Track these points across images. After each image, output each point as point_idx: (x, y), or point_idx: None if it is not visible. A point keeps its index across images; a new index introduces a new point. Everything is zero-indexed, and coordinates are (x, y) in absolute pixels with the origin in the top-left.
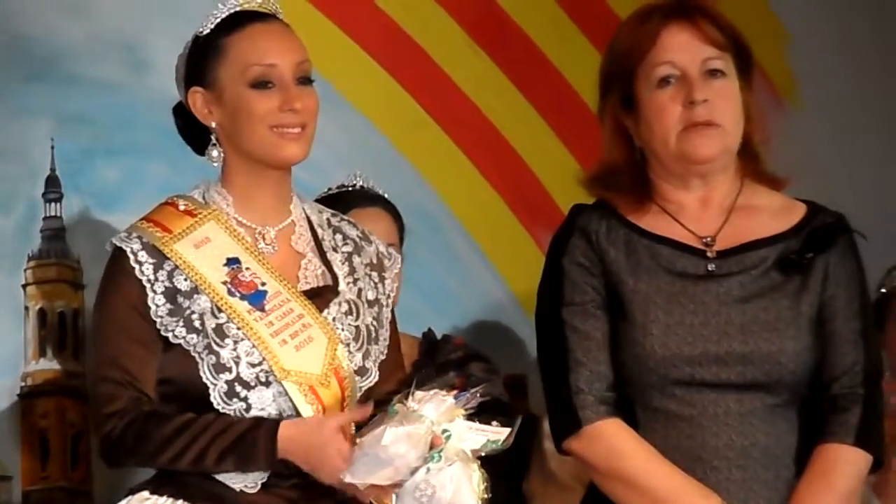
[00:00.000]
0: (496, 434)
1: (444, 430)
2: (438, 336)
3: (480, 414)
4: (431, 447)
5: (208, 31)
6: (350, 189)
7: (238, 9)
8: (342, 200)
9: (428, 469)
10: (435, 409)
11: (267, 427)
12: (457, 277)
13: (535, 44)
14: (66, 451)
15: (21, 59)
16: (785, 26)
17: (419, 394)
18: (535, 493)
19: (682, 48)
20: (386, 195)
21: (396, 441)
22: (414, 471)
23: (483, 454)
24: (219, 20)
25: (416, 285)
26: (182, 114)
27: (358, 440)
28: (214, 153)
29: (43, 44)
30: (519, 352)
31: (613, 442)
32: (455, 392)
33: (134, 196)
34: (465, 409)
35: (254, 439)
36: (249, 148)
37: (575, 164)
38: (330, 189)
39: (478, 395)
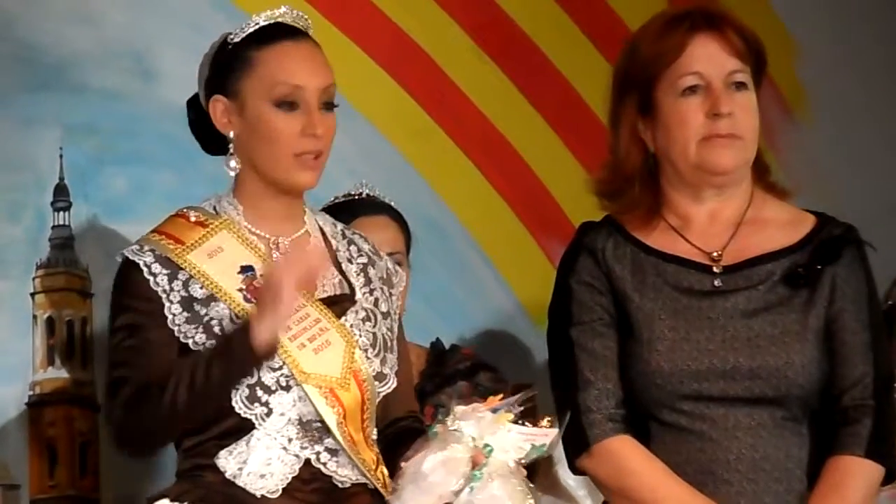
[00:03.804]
0: (542, 437)
1: (486, 445)
2: (446, 346)
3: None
4: (474, 465)
5: (239, 39)
6: (356, 198)
7: (271, 21)
8: (349, 209)
9: (471, 489)
10: (475, 425)
11: (240, 326)
12: (464, 286)
13: (542, 51)
14: (74, 459)
15: (30, 68)
16: (793, 37)
17: (458, 409)
18: (541, 497)
19: (709, 59)
20: (392, 203)
21: (435, 469)
22: (458, 492)
23: (528, 461)
24: (251, 30)
25: (423, 294)
26: (196, 107)
27: (403, 465)
28: (232, 163)
29: (51, 53)
30: (526, 361)
31: (622, 460)
32: (497, 401)
33: (142, 205)
34: (511, 414)
35: (229, 338)
36: (265, 168)
37: (581, 170)
38: (336, 198)
39: (517, 404)
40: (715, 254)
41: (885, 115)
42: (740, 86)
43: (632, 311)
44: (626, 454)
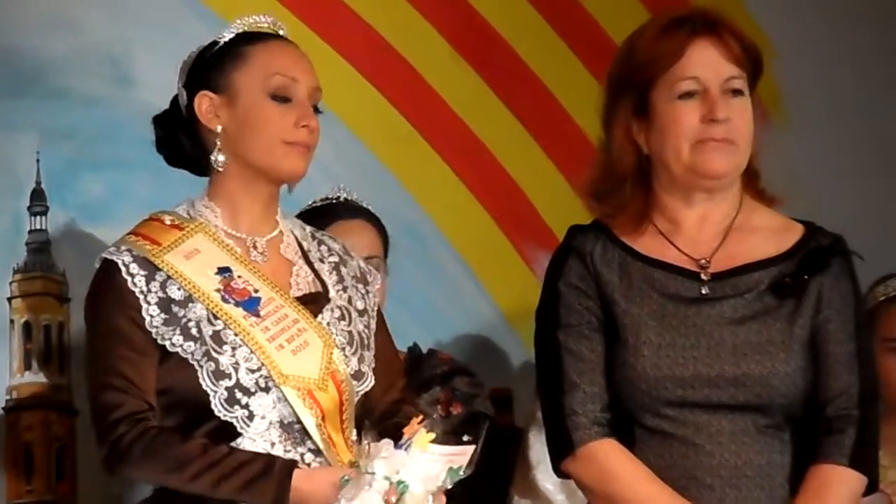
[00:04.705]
0: (460, 458)
1: (400, 482)
2: (424, 351)
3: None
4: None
5: (229, 38)
6: (334, 202)
7: (254, 28)
8: (326, 213)
9: None
10: (385, 464)
11: (279, 475)
12: (442, 292)
13: (520, 57)
14: (51, 464)
15: (7, 73)
16: (769, 40)
17: (370, 447)
18: (519, 501)
19: (707, 64)
20: (370, 207)
21: None
22: None
23: (452, 484)
24: (240, 31)
25: (400, 299)
26: (164, 125)
27: None
28: (221, 158)
29: (29, 58)
30: (504, 366)
31: (606, 463)
32: (416, 425)
33: (119, 209)
34: (433, 434)
35: (264, 488)
36: (255, 157)
37: (560, 177)
38: (314, 202)
39: (427, 429)
40: (703, 261)
41: (862, 119)
42: (737, 92)
43: (619, 315)
44: (610, 458)
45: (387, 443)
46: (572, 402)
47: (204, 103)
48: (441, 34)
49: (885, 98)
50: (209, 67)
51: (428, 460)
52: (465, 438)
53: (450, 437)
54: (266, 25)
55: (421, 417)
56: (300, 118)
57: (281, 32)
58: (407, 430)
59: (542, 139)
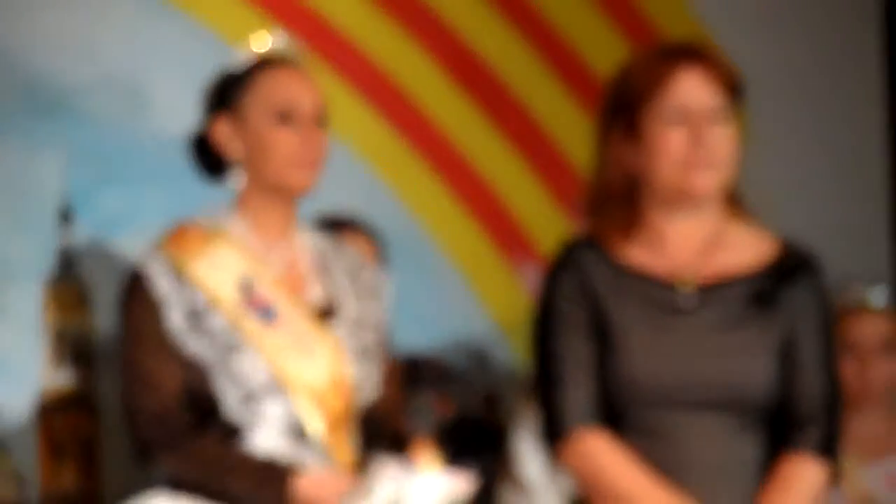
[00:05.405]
0: (461, 484)
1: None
2: (417, 357)
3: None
4: None
5: (243, 62)
6: (326, 214)
7: (256, 53)
8: (322, 222)
9: None
10: (389, 483)
11: (285, 479)
12: (434, 300)
13: (508, 82)
14: (79, 458)
15: (36, 96)
16: (729, 54)
17: (375, 465)
18: (504, 494)
19: (694, 93)
20: (363, 218)
21: None
22: None
23: None
24: (254, 54)
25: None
26: (198, 143)
27: None
28: (237, 177)
29: (56, 83)
30: (492, 370)
31: (597, 453)
32: (421, 451)
33: (138, 223)
34: (435, 459)
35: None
36: (267, 178)
37: (544, 192)
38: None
39: (432, 451)
40: (687, 273)
41: (824, 133)
42: (721, 119)
43: (609, 323)
44: (601, 448)
45: (391, 462)
46: (566, 396)
47: (219, 131)
48: (435, 60)
49: (840, 106)
50: (222, 96)
51: (431, 482)
52: (466, 464)
53: (453, 461)
54: (274, 47)
55: (425, 439)
56: (305, 139)
57: (290, 54)
58: (412, 451)
59: (527, 156)
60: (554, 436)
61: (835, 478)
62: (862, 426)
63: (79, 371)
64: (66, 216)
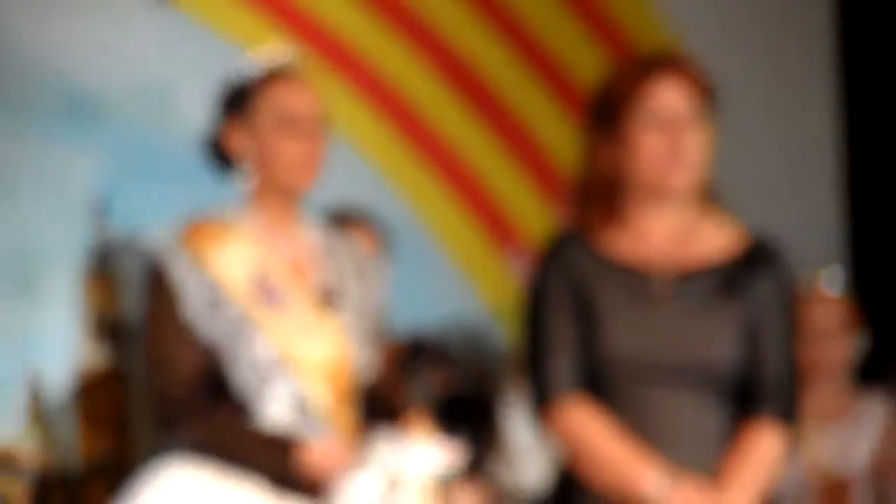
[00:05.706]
0: (455, 453)
1: (398, 470)
2: (421, 338)
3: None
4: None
5: (250, 74)
6: (333, 207)
7: (271, 65)
8: (328, 216)
9: None
10: (386, 452)
11: (292, 447)
12: (430, 285)
13: (498, 86)
14: (114, 428)
15: (73, 100)
16: (682, 40)
17: (372, 435)
18: (493, 464)
19: (672, 100)
20: (364, 209)
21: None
22: None
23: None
24: (261, 68)
25: (392, 292)
26: (212, 143)
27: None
28: (245, 176)
29: (91, 89)
30: (484, 351)
31: (579, 417)
32: (418, 430)
33: (164, 217)
34: (427, 430)
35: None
36: (273, 180)
37: (531, 187)
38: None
39: (426, 422)
40: (662, 263)
41: (769, 112)
42: (696, 124)
43: (591, 307)
44: (584, 413)
45: (390, 434)
46: (554, 363)
47: (232, 136)
48: (432, 67)
49: (793, 97)
50: (235, 103)
51: (425, 452)
52: (459, 437)
53: (445, 430)
54: (282, 60)
55: (421, 412)
56: (309, 148)
57: (295, 65)
58: (408, 424)
59: (515, 154)
60: (541, 401)
61: (793, 442)
62: (817, 397)
63: (113, 351)
64: (100, 211)
